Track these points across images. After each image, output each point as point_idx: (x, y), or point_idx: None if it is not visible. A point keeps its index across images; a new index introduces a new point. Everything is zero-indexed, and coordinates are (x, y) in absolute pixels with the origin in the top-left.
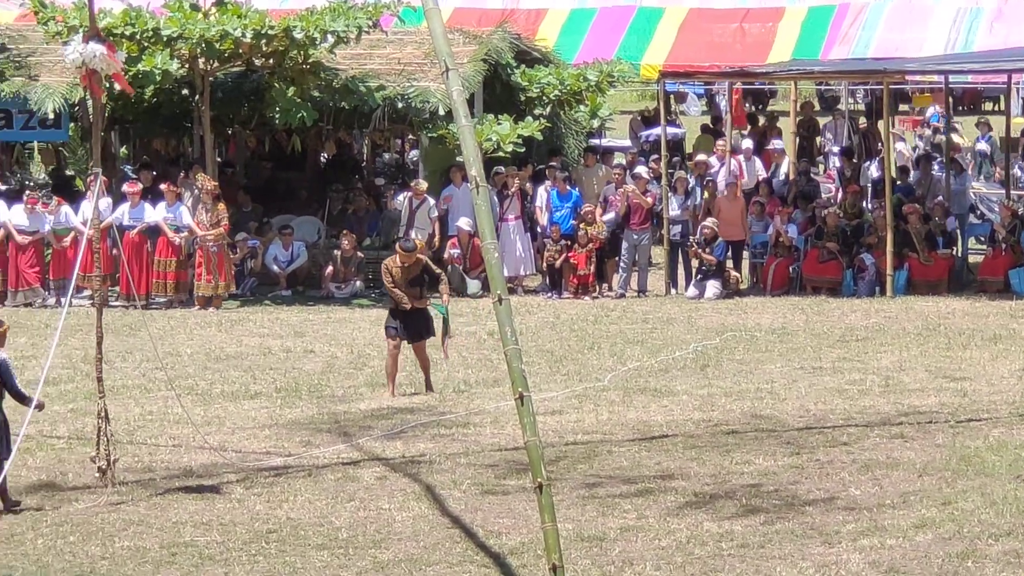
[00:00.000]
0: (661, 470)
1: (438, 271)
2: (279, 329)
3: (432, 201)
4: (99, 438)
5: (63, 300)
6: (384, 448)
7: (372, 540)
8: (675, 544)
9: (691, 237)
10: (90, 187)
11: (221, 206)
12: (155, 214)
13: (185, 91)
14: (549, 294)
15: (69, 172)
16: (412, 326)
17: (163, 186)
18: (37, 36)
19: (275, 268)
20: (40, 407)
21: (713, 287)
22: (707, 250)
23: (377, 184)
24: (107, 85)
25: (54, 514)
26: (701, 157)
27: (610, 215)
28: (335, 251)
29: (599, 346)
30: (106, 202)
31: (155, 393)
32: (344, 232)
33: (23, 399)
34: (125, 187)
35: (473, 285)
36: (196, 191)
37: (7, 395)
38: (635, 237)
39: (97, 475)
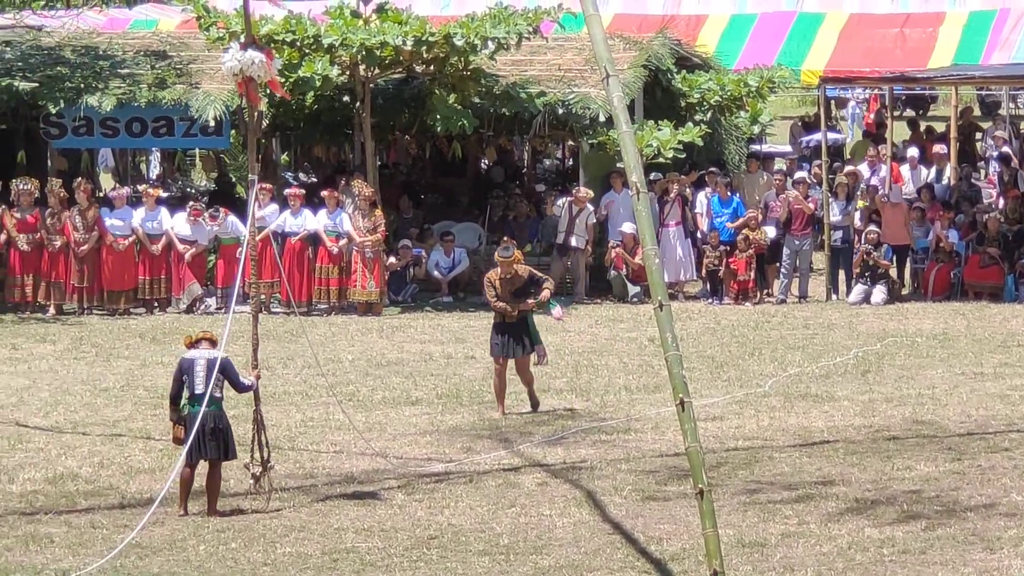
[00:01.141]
0: (822, 476)
1: (542, 276)
2: (440, 335)
3: (591, 208)
4: (253, 445)
5: (230, 307)
6: (545, 454)
7: (533, 546)
8: (836, 550)
9: (857, 244)
10: (251, 195)
11: (378, 212)
12: (315, 221)
13: (346, 98)
14: (709, 300)
15: (233, 178)
16: (515, 340)
17: (324, 193)
18: (198, 43)
19: (436, 274)
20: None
21: (880, 292)
22: (877, 254)
23: (537, 190)
24: (268, 92)
25: (216, 520)
26: (850, 168)
27: (770, 225)
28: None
29: (760, 352)
30: (272, 209)
31: (316, 399)
32: (504, 238)
33: (245, 389)
34: (287, 193)
35: (634, 291)
36: (355, 198)
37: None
38: (796, 243)
39: (251, 482)
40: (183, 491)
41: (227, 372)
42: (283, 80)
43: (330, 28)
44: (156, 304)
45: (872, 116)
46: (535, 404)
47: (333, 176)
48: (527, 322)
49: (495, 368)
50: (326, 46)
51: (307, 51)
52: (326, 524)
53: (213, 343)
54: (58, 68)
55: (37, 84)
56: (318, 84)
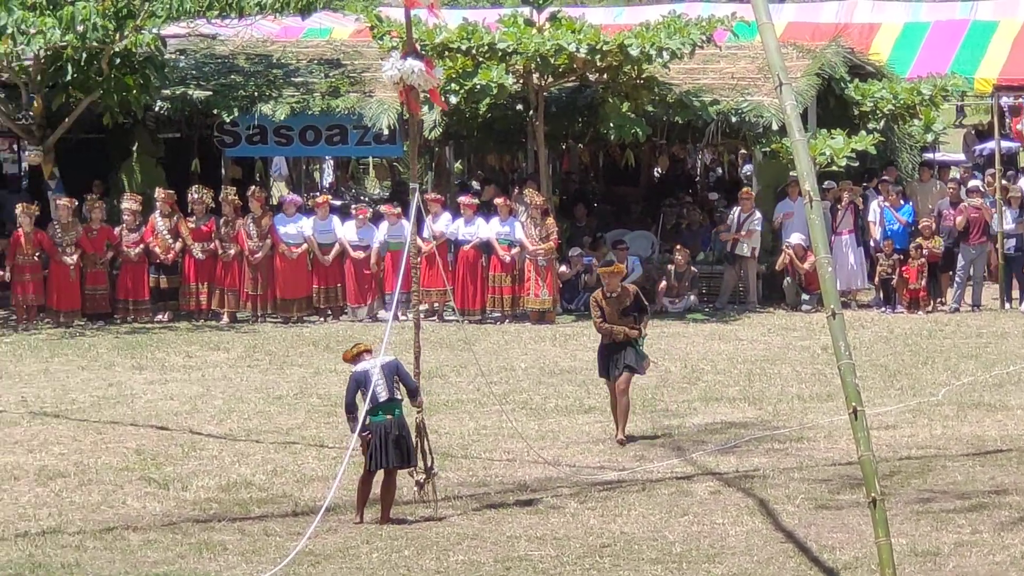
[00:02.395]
0: (995, 485)
1: (646, 303)
2: None
3: (758, 214)
4: (417, 453)
5: (399, 314)
6: (718, 462)
7: (706, 554)
8: (1009, 559)
9: None
10: (413, 202)
11: (550, 221)
12: (488, 229)
13: (519, 106)
14: (882, 308)
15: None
16: (621, 361)
17: (497, 201)
18: (372, 52)
19: None
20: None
21: None
22: None
23: (710, 198)
24: (444, 99)
25: (389, 528)
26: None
27: (942, 235)
28: (669, 266)
29: (933, 360)
30: (445, 218)
31: (489, 407)
32: (678, 247)
33: (415, 389)
34: (459, 201)
35: (806, 299)
36: (527, 206)
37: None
38: (972, 252)
39: (415, 489)
40: (360, 499)
41: (400, 372)
42: (457, 88)
43: (505, 35)
44: (329, 312)
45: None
46: (622, 435)
47: (505, 185)
48: (633, 342)
49: (609, 389)
50: (500, 53)
51: (481, 59)
52: (498, 532)
53: (370, 353)
54: (232, 77)
55: (211, 93)
56: (493, 92)
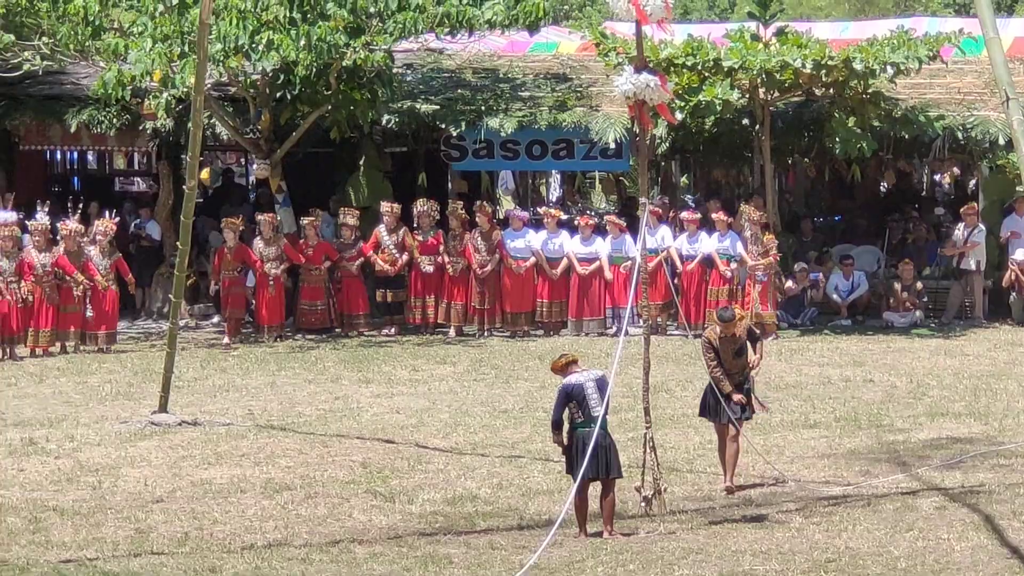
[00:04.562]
0: None
1: (758, 332)
2: (838, 358)
3: (983, 227)
4: (644, 467)
5: (621, 329)
6: (943, 478)
7: (931, 570)
8: None
9: None
10: (643, 218)
11: (769, 236)
12: (709, 244)
13: (745, 121)
14: None
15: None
16: (726, 403)
17: (716, 215)
18: (598, 66)
19: (835, 297)
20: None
21: None
22: None
23: (936, 213)
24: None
25: (614, 542)
26: None
27: None
28: (895, 281)
29: None
30: (665, 231)
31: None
32: (904, 261)
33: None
34: (683, 215)
35: None
36: (746, 221)
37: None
38: None
39: (643, 504)
40: (580, 513)
41: (608, 388)
42: (683, 104)
43: (730, 51)
44: (553, 326)
45: None
46: (730, 485)
47: (730, 200)
48: (744, 382)
49: (716, 432)
50: (726, 69)
51: (707, 74)
52: (723, 546)
53: (578, 364)
54: (459, 91)
55: (438, 107)
56: (719, 108)
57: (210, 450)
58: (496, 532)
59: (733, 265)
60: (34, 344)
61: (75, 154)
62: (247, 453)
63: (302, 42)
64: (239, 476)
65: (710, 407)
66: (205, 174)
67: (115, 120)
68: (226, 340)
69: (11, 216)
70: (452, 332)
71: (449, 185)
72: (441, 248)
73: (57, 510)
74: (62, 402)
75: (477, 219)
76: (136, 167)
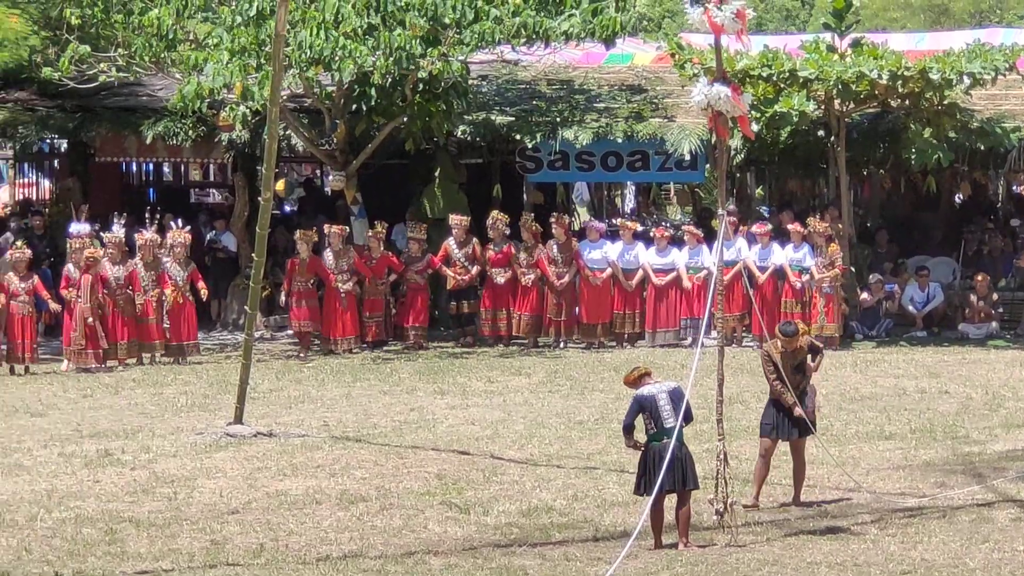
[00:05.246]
0: None
1: (820, 345)
2: (914, 370)
3: None
4: (717, 480)
5: (697, 340)
6: (1019, 490)
7: None
8: None
9: None
10: (721, 229)
11: (834, 247)
12: (781, 255)
13: (820, 132)
14: None
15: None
16: (791, 420)
17: (790, 226)
18: (673, 78)
19: (911, 309)
20: None
21: None
22: None
23: (1012, 225)
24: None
25: (689, 554)
26: None
27: None
28: (970, 292)
29: None
30: (741, 242)
31: None
32: (979, 273)
33: (690, 418)
34: (755, 228)
35: None
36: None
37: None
38: None
39: (715, 518)
40: (655, 524)
41: (684, 399)
42: (759, 115)
43: (806, 62)
44: (627, 338)
45: None
46: (797, 499)
47: (805, 211)
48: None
49: (760, 448)
50: (802, 80)
51: (783, 85)
52: (799, 558)
53: (651, 376)
54: (534, 102)
55: (513, 118)
56: (794, 119)
57: (285, 461)
58: (571, 544)
59: (804, 277)
60: (113, 357)
61: (151, 166)
62: (322, 465)
63: (379, 50)
64: (314, 488)
65: (764, 423)
66: (280, 185)
67: (191, 132)
68: (301, 352)
69: (85, 228)
70: (528, 343)
71: (524, 197)
72: (512, 260)
73: (133, 521)
74: (138, 413)
75: (553, 231)
76: (212, 179)
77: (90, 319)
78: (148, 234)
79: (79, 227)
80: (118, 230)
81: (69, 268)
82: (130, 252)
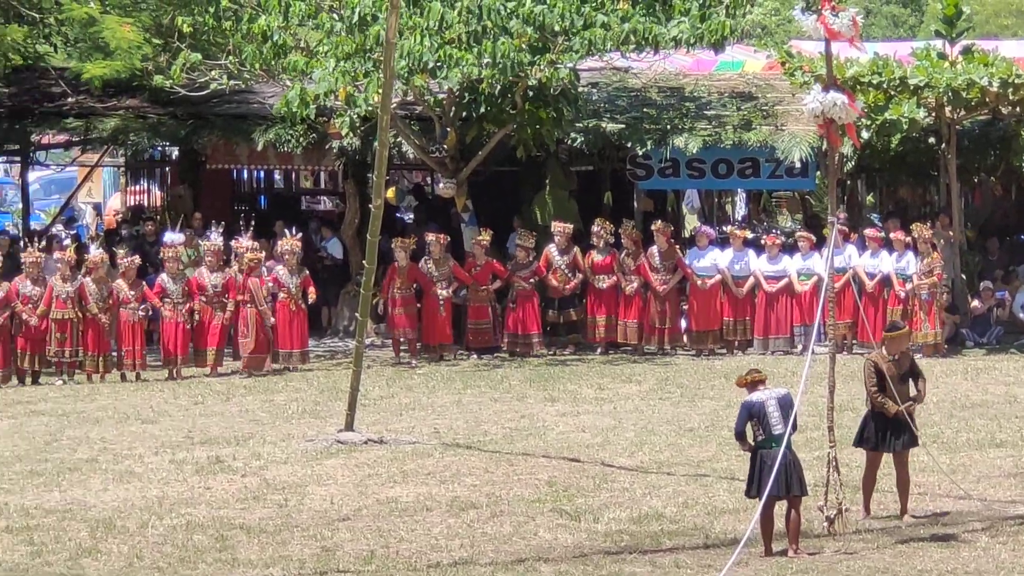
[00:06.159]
0: None
1: (920, 369)
2: None
3: None
4: (827, 487)
5: (808, 347)
6: None
7: None
8: None
9: None
10: (831, 237)
11: (935, 255)
12: (888, 263)
13: (931, 139)
14: None
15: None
16: (894, 432)
17: (894, 234)
18: (784, 85)
19: (1022, 316)
20: None
21: None
22: None
23: None
24: (857, 132)
25: (799, 561)
26: None
27: None
28: None
29: None
30: (851, 250)
31: None
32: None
33: (795, 426)
34: (866, 234)
35: None
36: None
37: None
38: None
39: (825, 524)
40: (765, 531)
41: (792, 406)
42: (869, 123)
43: (916, 69)
44: (738, 345)
45: None
46: (904, 510)
47: (915, 219)
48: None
49: (867, 460)
50: (912, 87)
51: (892, 92)
52: (909, 566)
53: (764, 384)
54: (645, 110)
55: (624, 126)
56: (904, 126)
57: (396, 468)
58: (681, 551)
59: (908, 285)
60: (205, 363)
61: (261, 173)
62: (433, 471)
63: (485, 59)
64: (425, 494)
65: (867, 436)
66: (391, 192)
67: (301, 139)
68: (412, 361)
69: (179, 237)
70: (639, 350)
71: (635, 204)
72: (615, 267)
73: (244, 528)
74: (248, 420)
75: (656, 239)
76: (322, 186)
77: (271, 320)
78: (245, 241)
79: (173, 236)
80: (216, 238)
81: (163, 277)
82: (228, 261)
